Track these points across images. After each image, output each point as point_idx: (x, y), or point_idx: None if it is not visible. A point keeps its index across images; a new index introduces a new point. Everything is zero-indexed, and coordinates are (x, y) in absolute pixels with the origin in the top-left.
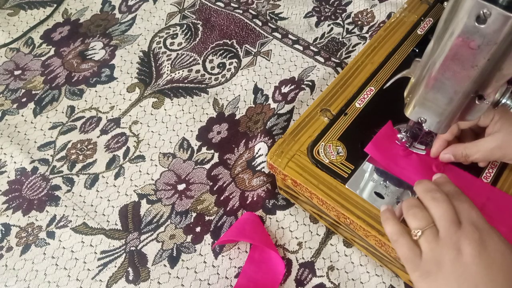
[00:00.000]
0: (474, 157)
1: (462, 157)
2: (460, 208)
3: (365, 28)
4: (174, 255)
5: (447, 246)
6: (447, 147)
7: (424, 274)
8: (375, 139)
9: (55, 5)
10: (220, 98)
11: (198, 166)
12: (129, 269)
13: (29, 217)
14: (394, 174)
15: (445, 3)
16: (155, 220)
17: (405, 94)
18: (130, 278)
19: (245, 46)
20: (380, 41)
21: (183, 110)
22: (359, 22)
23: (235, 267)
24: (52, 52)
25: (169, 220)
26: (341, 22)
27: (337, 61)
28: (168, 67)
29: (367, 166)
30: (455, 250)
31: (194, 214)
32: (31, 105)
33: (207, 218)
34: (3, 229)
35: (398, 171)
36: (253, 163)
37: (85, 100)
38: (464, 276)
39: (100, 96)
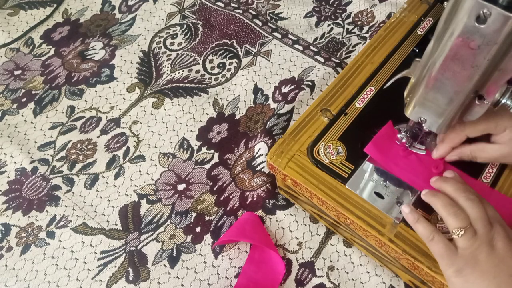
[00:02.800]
0: (479, 160)
1: (468, 158)
2: (488, 210)
3: (365, 28)
4: (174, 255)
5: (484, 243)
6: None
7: (460, 270)
8: (375, 139)
9: (55, 5)
10: (220, 98)
11: (198, 166)
12: (129, 269)
13: (29, 217)
14: (394, 174)
15: (445, 3)
16: (155, 220)
17: (405, 94)
18: (130, 278)
19: (245, 46)
20: (380, 41)
21: (183, 110)
22: (359, 22)
23: (235, 267)
24: (52, 52)
25: (169, 220)
26: (341, 22)
27: (337, 61)
28: (168, 67)
29: (367, 166)
30: (489, 246)
31: (194, 214)
32: (31, 105)
33: (207, 218)
34: (3, 229)
35: (398, 171)
36: (253, 163)
37: (85, 100)
38: (499, 267)
39: (100, 96)
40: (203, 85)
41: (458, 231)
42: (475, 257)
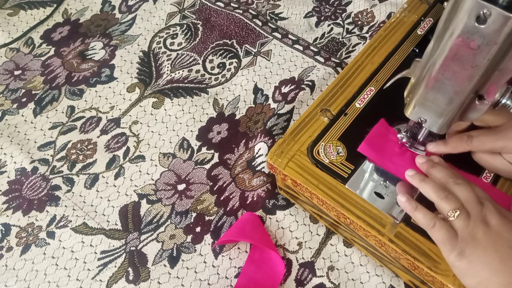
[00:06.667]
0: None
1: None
2: (476, 190)
3: (365, 28)
4: (174, 255)
5: (478, 222)
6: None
7: (462, 252)
8: (368, 138)
9: (55, 5)
10: (220, 98)
11: (198, 166)
12: (129, 269)
13: (29, 217)
14: (390, 172)
15: (445, 3)
16: (155, 220)
17: (405, 94)
18: (130, 278)
19: (245, 46)
20: (380, 41)
21: (183, 110)
22: (359, 22)
23: (235, 267)
24: (52, 52)
25: (169, 220)
26: (341, 22)
27: (337, 61)
28: (168, 67)
29: (367, 166)
30: (484, 224)
31: (194, 214)
32: (31, 105)
33: (207, 218)
34: (3, 229)
35: (394, 168)
36: (253, 163)
37: (85, 100)
38: (498, 241)
39: (100, 96)
40: (203, 85)
41: (452, 212)
42: (473, 236)
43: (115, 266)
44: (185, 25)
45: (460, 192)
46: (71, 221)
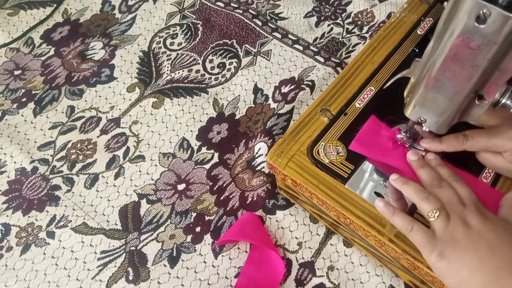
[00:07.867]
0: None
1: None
2: (461, 191)
3: (365, 28)
4: (174, 255)
5: (458, 222)
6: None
7: (441, 253)
8: (359, 136)
9: (55, 5)
10: (220, 98)
11: (198, 166)
12: (129, 269)
13: (29, 217)
14: (383, 168)
15: (445, 3)
16: (155, 220)
17: (405, 94)
18: (130, 278)
19: (245, 46)
20: (380, 41)
21: (183, 110)
22: (359, 22)
23: (235, 267)
24: (52, 52)
25: (169, 220)
26: (341, 22)
27: (337, 61)
28: (168, 67)
29: (367, 166)
30: (464, 224)
31: (194, 214)
32: (31, 105)
33: (207, 218)
34: (3, 229)
35: (386, 164)
36: (253, 163)
37: (85, 100)
38: (478, 242)
39: (100, 96)
40: (203, 85)
41: (432, 213)
42: (453, 237)
43: (115, 266)
44: (185, 25)
45: (442, 193)
46: (71, 221)
